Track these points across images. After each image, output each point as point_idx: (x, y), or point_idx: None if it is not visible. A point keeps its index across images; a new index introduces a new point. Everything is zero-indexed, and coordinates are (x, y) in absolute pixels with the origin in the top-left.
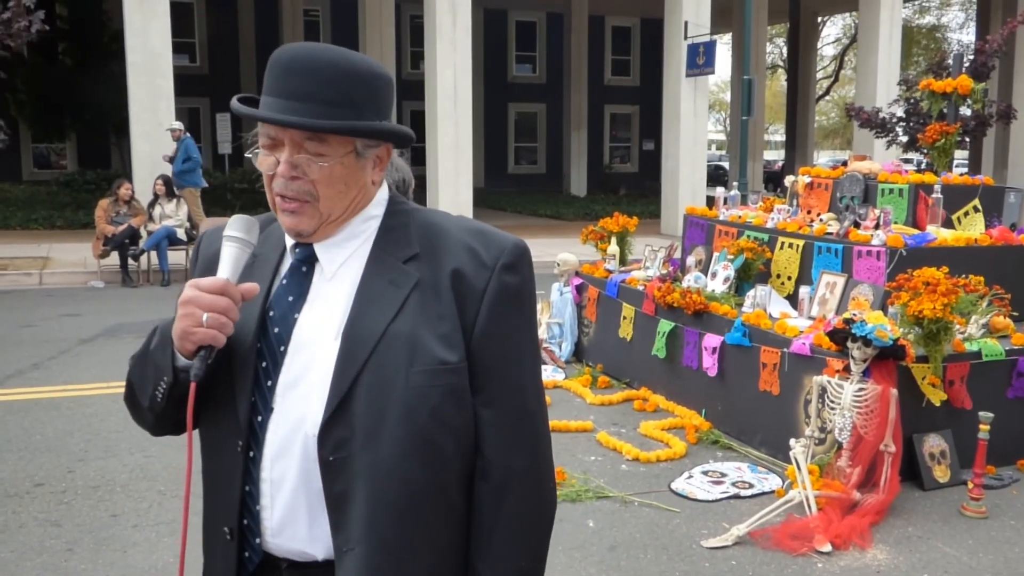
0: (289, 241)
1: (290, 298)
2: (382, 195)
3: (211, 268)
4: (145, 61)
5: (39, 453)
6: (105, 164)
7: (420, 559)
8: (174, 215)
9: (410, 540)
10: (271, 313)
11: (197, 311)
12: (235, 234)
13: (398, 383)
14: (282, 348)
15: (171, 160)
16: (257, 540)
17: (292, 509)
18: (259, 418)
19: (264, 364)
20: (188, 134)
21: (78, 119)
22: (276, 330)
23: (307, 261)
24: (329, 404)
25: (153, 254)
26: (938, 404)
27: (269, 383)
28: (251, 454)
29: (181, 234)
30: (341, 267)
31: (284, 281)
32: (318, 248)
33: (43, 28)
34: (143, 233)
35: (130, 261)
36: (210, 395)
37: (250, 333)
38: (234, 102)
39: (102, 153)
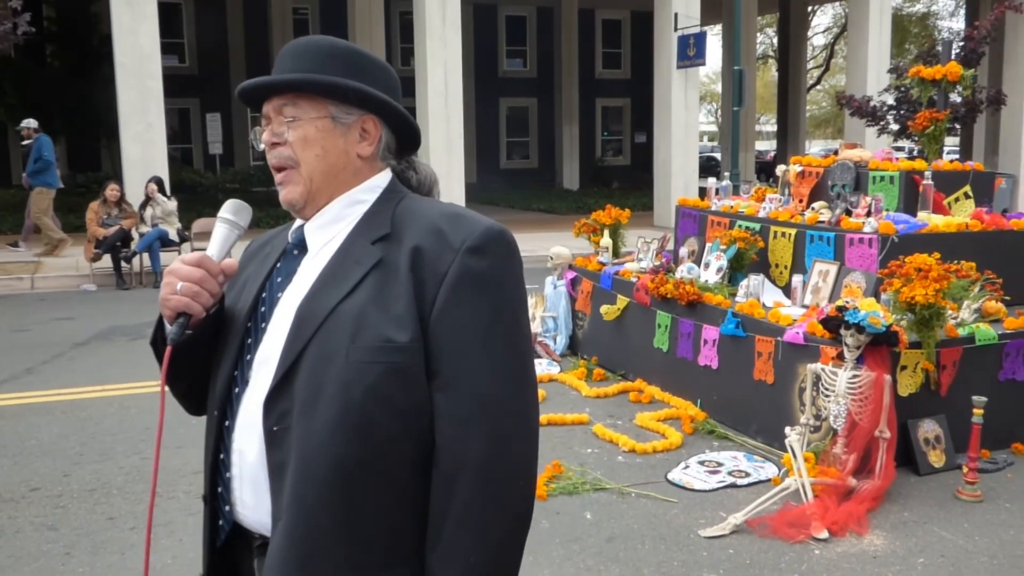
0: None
1: (279, 279)
2: (377, 182)
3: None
4: (134, 62)
5: (34, 457)
6: (96, 167)
7: (347, 534)
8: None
9: (336, 515)
10: (264, 295)
11: (174, 280)
12: (225, 215)
13: (338, 359)
14: (263, 325)
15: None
16: (227, 508)
17: (255, 480)
18: (236, 390)
19: (248, 340)
20: (42, 133)
21: (68, 122)
22: (263, 309)
23: (299, 245)
24: (275, 376)
25: (145, 256)
26: (915, 391)
27: (248, 357)
28: (226, 423)
29: (173, 235)
30: (323, 248)
31: (278, 265)
32: (307, 231)
33: (29, 30)
34: (135, 235)
35: (123, 263)
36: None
37: (243, 313)
38: (236, 93)
39: (92, 156)
